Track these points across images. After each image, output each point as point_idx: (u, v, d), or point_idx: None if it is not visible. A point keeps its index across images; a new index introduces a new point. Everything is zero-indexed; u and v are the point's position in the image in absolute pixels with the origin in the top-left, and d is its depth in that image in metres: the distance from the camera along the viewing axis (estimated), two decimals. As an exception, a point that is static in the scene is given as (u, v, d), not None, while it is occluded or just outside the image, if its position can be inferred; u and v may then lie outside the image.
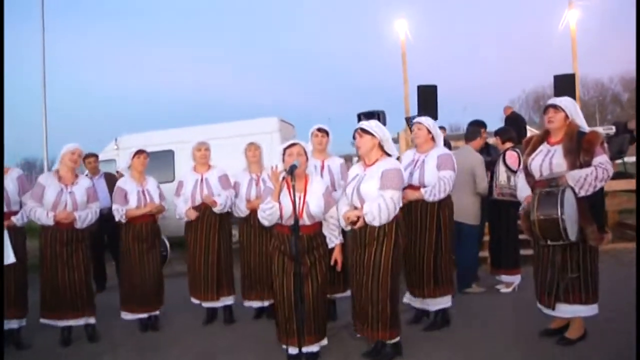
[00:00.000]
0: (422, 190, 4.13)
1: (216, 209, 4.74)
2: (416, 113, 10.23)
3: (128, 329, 4.83)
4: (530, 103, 46.59)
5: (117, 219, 4.69)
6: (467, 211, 5.34)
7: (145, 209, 4.68)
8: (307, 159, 3.67)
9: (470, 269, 5.59)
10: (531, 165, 3.70)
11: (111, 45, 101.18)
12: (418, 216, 4.20)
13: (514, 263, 5.43)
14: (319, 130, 4.68)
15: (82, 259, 4.52)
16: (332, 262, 3.73)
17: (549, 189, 3.41)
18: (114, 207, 4.68)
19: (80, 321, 4.54)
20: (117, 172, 8.76)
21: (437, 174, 4.13)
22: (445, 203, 4.23)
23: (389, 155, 3.65)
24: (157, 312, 4.88)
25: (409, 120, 9.30)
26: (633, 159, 9.20)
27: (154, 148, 10.15)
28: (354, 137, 3.73)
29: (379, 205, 3.38)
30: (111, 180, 6.62)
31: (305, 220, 3.58)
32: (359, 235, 3.59)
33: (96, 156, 7.05)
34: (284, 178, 3.52)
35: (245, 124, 9.78)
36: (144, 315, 4.81)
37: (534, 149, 3.75)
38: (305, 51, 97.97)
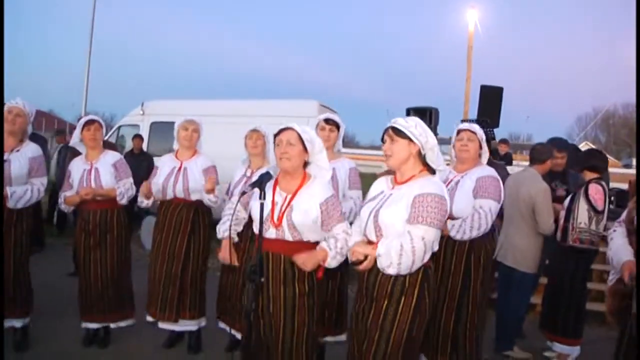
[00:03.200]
0: (448, 223, 2.98)
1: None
2: (475, 117, 8.97)
3: (71, 337, 3.90)
4: (598, 121, 43.51)
5: (60, 207, 3.81)
6: (522, 254, 4.08)
7: (79, 194, 3.69)
8: (305, 150, 2.57)
9: (516, 325, 4.35)
10: None
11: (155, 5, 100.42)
12: (440, 257, 3.04)
13: (574, 332, 4.08)
14: (327, 121, 3.55)
15: (12, 247, 3.53)
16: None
17: None
18: (60, 193, 3.79)
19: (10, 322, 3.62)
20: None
21: (471, 203, 3.05)
22: (481, 243, 3.10)
23: (432, 171, 2.46)
24: (111, 325, 3.88)
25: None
26: None
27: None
28: (382, 140, 2.55)
29: (402, 247, 2.21)
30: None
31: (285, 233, 2.50)
32: (365, 280, 2.44)
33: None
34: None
35: (280, 104, 9.03)
36: (92, 326, 3.84)
37: None
38: (360, 35, 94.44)
